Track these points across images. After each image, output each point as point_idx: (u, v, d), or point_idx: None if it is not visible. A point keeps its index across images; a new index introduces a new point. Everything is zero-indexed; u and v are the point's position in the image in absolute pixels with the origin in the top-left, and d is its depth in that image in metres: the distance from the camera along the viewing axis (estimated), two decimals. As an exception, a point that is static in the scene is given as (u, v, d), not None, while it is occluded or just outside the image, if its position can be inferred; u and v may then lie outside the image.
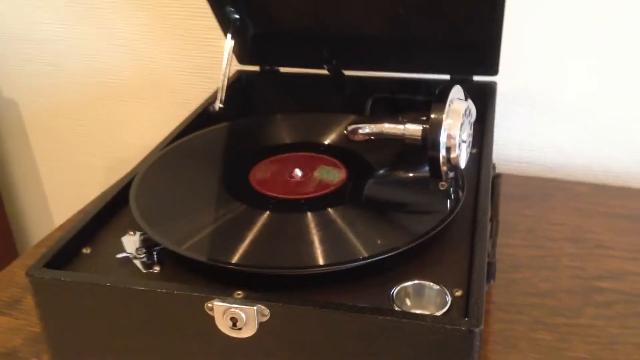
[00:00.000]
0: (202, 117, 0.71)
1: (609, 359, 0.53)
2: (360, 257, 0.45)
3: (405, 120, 0.51)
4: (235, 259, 0.46)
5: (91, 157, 1.10)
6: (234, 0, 0.73)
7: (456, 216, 0.50)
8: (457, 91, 0.49)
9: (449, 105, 0.47)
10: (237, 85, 0.78)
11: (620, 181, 0.82)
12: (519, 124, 0.84)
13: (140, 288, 0.44)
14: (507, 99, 0.81)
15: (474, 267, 0.44)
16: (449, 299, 0.44)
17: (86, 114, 1.06)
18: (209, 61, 0.95)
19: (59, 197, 1.18)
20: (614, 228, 0.70)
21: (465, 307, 0.43)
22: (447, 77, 0.73)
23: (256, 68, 0.80)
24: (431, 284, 0.45)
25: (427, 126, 0.48)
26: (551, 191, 0.77)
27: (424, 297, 0.45)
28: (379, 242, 0.46)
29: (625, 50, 0.75)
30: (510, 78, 0.79)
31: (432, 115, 0.47)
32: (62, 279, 0.45)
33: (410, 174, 0.56)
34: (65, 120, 1.08)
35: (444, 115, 0.47)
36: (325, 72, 0.76)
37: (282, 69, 0.79)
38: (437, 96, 0.49)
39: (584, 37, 0.76)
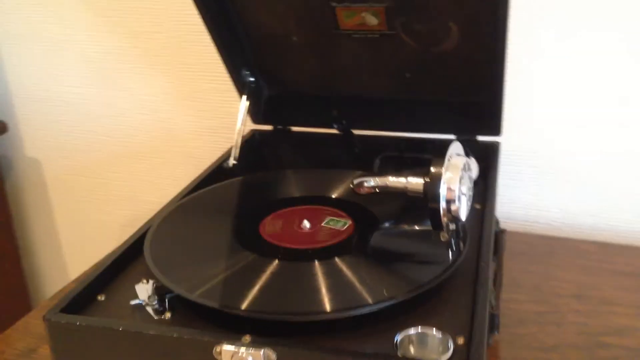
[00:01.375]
0: (216, 173, 0.73)
1: (614, 414, 0.54)
2: (365, 305, 0.47)
3: (408, 174, 0.53)
4: (244, 305, 0.48)
5: (107, 215, 1.13)
6: (249, 64, 0.78)
7: (459, 267, 0.52)
8: (456, 147, 0.52)
9: (448, 160, 0.50)
10: (250, 143, 0.82)
11: (626, 239, 0.83)
12: (525, 183, 0.86)
13: (151, 333, 0.46)
14: (513, 159, 0.84)
15: (476, 315, 0.46)
16: (451, 346, 0.45)
17: (105, 173, 1.10)
18: (223, 121, 0.99)
19: (75, 253, 1.20)
20: (619, 285, 0.71)
21: (467, 355, 0.44)
22: (452, 136, 0.76)
23: (269, 127, 0.83)
24: (434, 331, 0.46)
25: (428, 179, 0.50)
26: (556, 249, 0.78)
27: (427, 345, 0.46)
28: (384, 292, 0.48)
29: (627, 115, 0.78)
30: (517, 139, 0.82)
31: (432, 169, 0.50)
32: (77, 323, 0.47)
33: (414, 227, 0.58)
34: (84, 179, 1.12)
35: (443, 169, 0.49)
36: (335, 131, 0.79)
37: (294, 128, 0.83)
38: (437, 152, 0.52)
39: (585, 101, 0.79)
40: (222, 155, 0.78)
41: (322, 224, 0.58)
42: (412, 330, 0.46)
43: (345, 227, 0.57)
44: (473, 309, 0.48)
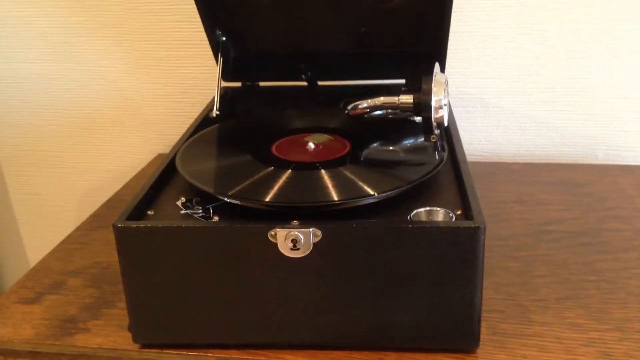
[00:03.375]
0: (205, 122, 0.82)
1: (564, 273, 0.68)
2: (391, 189, 0.58)
3: (397, 93, 0.65)
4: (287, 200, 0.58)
5: (65, 187, 1.16)
6: (222, 24, 0.86)
7: (443, 163, 0.64)
8: (437, 67, 0.65)
9: (434, 77, 0.62)
10: (223, 98, 0.90)
11: (542, 160, 1.00)
12: (459, 122, 1.00)
13: (217, 226, 0.54)
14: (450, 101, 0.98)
15: (468, 190, 0.58)
16: (452, 216, 0.57)
17: (62, 146, 1.13)
18: (181, 87, 1.06)
19: (33, 230, 1.22)
20: (548, 190, 0.87)
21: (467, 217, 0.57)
22: (402, 81, 0.88)
23: (239, 84, 0.92)
24: (437, 208, 0.58)
25: (419, 94, 0.62)
26: (493, 170, 0.94)
27: (434, 218, 0.58)
28: (395, 183, 0.60)
29: (540, 60, 0.95)
30: (454, 83, 0.97)
31: (424, 85, 0.62)
32: (146, 225, 0.55)
33: (399, 143, 0.70)
34: (40, 154, 1.14)
35: (432, 85, 0.62)
36: (299, 83, 0.90)
37: (262, 83, 0.92)
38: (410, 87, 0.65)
39: (509, 55, 0.95)
40: (207, 106, 0.86)
41: (321, 142, 0.69)
42: (421, 209, 0.58)
43: (338, 143, 0.69)
44: (461, 191, 0.61)
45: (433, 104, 0.62)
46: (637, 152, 0.96)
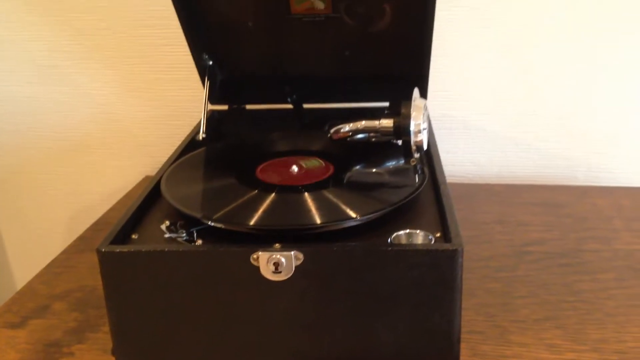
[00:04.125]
0: (191, 145, 0.83)
1: (543, 294, 0.70)
2: (379, 209, 0.59)
3: (378, 117, 0.67)
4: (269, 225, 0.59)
5: (53, 209, 1.17)
6: (208, 49, 0.88)
7: (423, 186, 0.66)
8: (416, 92, 0.66)
9: (413, 102, 0.64)
10: (210, 121, 0.91)
11: (524, 181, 1.01)
12: (443, 143, 1.02)
13: (200, 250, 0.55)
14: (433, 123, 1.00)
15: (447, 213, 0.60)
16: (432, 238, 0.58)
17: (51, 169, 1.14)
18: (169, 109, 1.08)
19: (20, 250, 1.22)
20: (528, 212, 0.88)
21: (446, 240, 0.58)
22: (386, 104, 0.90)
23: (225, 106, 0.94)
24: (417, 231, 0.60)
25: (399, 118, 0.64)
26: (475, 192, 0.95)
27: (414, 241, 0.59)
28: (375, 206, 0.61)
29: (520, 84, 0.97)
30: (437, 106, 0.98)
31: (403, 110, 0.63)
32: (129, 250, 0.55)
33: (381, 165, 0.71)
34: (29, 175, 1.15)
35: (411, 110, 0.63)
36: (285, 105, 0.91)
37: (249, 106, 0.94)
38: (392, 110, 0.67)
39: (490, 78, 0.97)
40: (194, 129, 0.87)
41: (305, 165, 0.70)
42: (401, 232, 0.59)
43: (320, 164, 0.70)
44: (441, 214, 0.62)
45: (412, 127, 0.63)
46: (615, 174, 0.98)
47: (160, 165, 0.76)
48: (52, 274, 0.77)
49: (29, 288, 0.75)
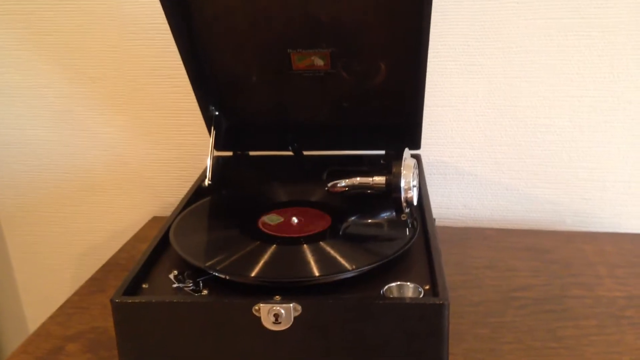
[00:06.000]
0: (198, 191, 0.88)
1: (528, 340, 0.74)
2: (372, 262, 0.64)
3: (372, 174, 0.72)
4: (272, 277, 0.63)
5: (64, 246, 1.22)
6: (215, 101, 0.93)
7: (414, 240, 0.70)
8: (407, 152, 0.71)
9: (404, 161, 0.69)
10: (215, 167, 0.96)
11: (514, 225, 1.06)
12: (436, 187, 1.07)
13: (207, 301, 0.60)
14: (427, 168, 1.05)
15: (436, 266, 0.64)
16: (421, 291, 0.63)
17: (62, 208, 1.19)
18: (177, 153, 1.13)
19: (31, 285, 1.26)
20: (516, 257, 0.93)
21: (435, 294, 0.62)
22: (382, 152, 0.95)
23: (230, 153, 0.99)
24: (408, 283, 0.64)
25: (390, 176, 0.69)
26: (467, 235, 1.00)
27: (404, 293, 0.64)
28: (370, 258, 0.66)
29: (509, 132, 1.02)
30: (431, 152, 1.04)
31: (394, 169, 0.68)
32: (143, 301, 0.60)
33: (375, 216, 0.76)
34: (41, 214, 1.20)
35: (402, 168, 0.68)
36: (287, 153, 0.96)
37: (252, 152, 0.99)
38: (388, 159, 0.71)
39: (480, 127, 1.02)
40: (200, 176, 0.93)
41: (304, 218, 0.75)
42: (393, 284, 0.64)
43: (320, 216, 0.75)
44: (430, 266, 0.67)
45: (402, 185, 0.68)
46: (601, 219, 1.03)
47: (167, 206, 0.80)
48: (66, 315, 0.82)
49: (44, 329, 0.79)
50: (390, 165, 0.71)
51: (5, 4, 1.05)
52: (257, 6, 0.81)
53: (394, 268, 0.67)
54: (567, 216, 1.04)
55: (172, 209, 0.82)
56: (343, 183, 0.74)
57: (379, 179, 0.71)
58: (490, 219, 1.07)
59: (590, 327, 0.76)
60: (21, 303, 1.28)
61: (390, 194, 0.69)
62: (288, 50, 0.85)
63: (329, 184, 0.75)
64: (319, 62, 0.86)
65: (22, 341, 0.77)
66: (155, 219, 1.11)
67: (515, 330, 0.76)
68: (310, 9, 0.80)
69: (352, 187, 0.74)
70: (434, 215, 0.79)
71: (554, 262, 0.90)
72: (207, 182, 0.89)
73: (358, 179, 0.73)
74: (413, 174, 0.69)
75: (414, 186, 0.69)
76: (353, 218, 0.77)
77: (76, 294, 0.87)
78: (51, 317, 0.82)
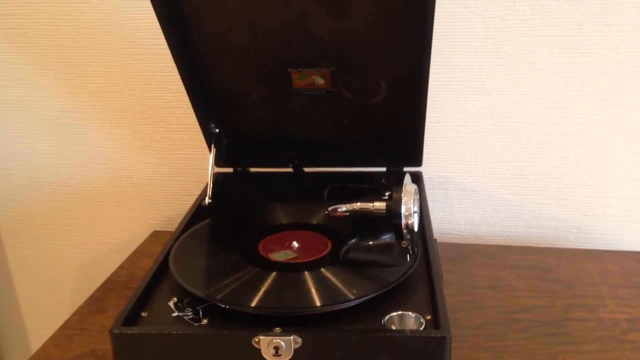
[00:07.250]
0: (198, 211, 0.87)
1: (530, 365, 0.74)
2: (374, 292, 0.64)
3: (372, 200, 0.71)
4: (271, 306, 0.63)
5: (64, 259, 1.21)
6: (215, 118, 0.93)
7: (415, 266, 0.70)
8: (407, 178, 0.71)
9: (404, 187, 0.68)
10: (215, 184, 0.96)
11: (516, 242, 1.06)
12: (438, 203, 1.07)
13: (207, 332, 0.60)
14: (428, 184, 1.04)
15: (437, 296, 0.64)
16: (423, 321, 0.63)
17: (61, 220, 1.18)
18: (177, 167, 1.12)
19: (31, 297, 1.26)
20: (519, 276, 0.92)
21: (434, 327, 0.62)
22: (383, 169, 0.94)
23: (230, 169, 0.98)
24: (409, 313, 0.64)
25: (391, 203, 0.68)
26: (469, 252, 0.99)
27: (406, 323, 0.63)
28: (370, 287, 0.65)
29: (511, 148, 1.01)
30: (433, 168, 1.03)
31: (394, 195, 0.68)
32: (142, 332, 0.60)
33: (376, 238, 0.76)
34: (41, 227, 1.19)
35: (402, 195, 0.68)
36: (287, 169, 0.96)
37: (253, 169, 0.98)
38: (388, 182, 0.71)
39: (483, 143, 1.01)
40: (200, 194, 0.92)
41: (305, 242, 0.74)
42: (394, 313, 0.63)
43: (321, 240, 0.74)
44: (432, 294, 0.66)
45: (403, 211, 0.68)
46: (604, 235, 1.02)
47: (167, 219, 0.80)
48: (65, 337, 0.81)
49: (43, 351, 0.79)
50: (391, 188, 0.71)
51: (5, 18, 1.05)
52: (257, 25, 0.80)
53: (394, 295, 0.67)
54: (569, 233, 1.03)
55: (172, 223, 0.81)
56: (344, 208, 0.73)
57: (380, 205, 0.71)
58: (492, 234, 1.06)
59: (592, 352, 0.75)
60: (21, 314, 1.28)
61: (391, 219, 0.69)
62: (288, 69, 0.84)
63: (330, 209, 0.74)
64: (320, 81, 0.85)
65: (22, 353, 0.76)
66: (155, 234, 1.11)
67: (517, 354, 0.75)
68: (311, 27, 0.79)
69: (352, 212, 0.73)
70: (436, 232, 0.79)
71: (557, 281, 0.90)
72: (207, 200, 0.89)
73: (359, 204, 0.73)
74: (414, 200, 0.69)
75: (414, 212, 0.69)
76: (353, 240, 0.76)
77: (76, 313, 0.87)
78: (51, 339, 0.81)
